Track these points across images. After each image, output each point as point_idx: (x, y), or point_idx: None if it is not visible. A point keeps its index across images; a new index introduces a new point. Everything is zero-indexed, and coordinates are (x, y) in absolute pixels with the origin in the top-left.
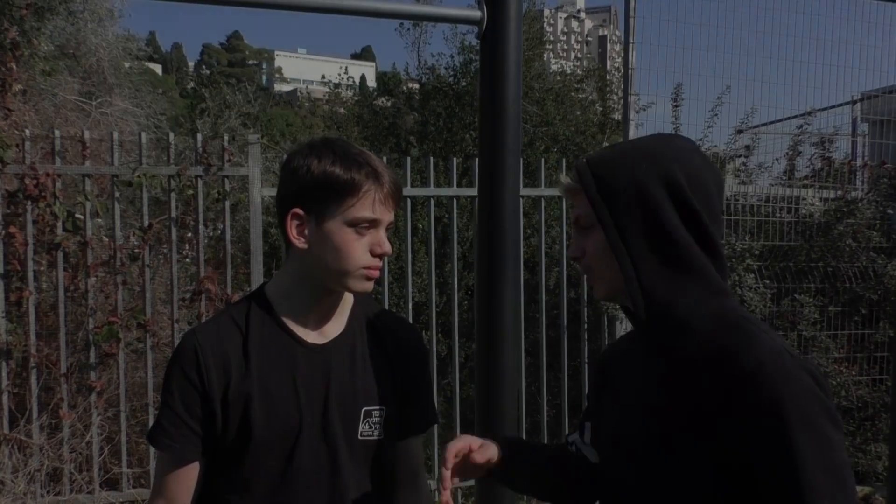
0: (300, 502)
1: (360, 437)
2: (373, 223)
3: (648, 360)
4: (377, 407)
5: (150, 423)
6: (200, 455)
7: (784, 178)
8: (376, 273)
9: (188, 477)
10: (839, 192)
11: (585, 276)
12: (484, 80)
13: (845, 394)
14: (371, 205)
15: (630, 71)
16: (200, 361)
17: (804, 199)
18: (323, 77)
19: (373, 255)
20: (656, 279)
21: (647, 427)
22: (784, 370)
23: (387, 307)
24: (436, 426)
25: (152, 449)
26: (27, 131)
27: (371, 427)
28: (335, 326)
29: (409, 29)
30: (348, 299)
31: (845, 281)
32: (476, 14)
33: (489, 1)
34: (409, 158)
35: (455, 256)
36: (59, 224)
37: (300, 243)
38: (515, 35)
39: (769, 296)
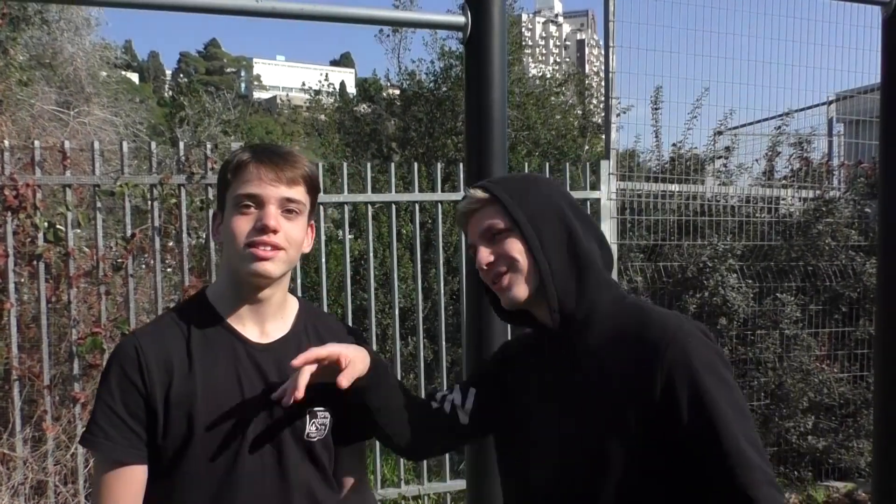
0: (247, 502)
1: (306, 438)
2: (253, 199)
3: (561, 361)
4: (322, 408)
5: None
6: (142, 459)
7: (763, 178)
8: (266, 252)
9: (131, 481)
10: (817, 192)
11: (498, 283)
12: (470, 85)
13: (827, 391)
14: (250, 181)
15: (611, 74)
16: (142, 362)
17: (783, 199)
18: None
19: (255, 230)
20: (568, 279)
21: (580, 422)
22: (683, 330)
23: (373, 313)
24: None
25: None
26: (6, 142)
27: (317, 428)
28: (279, 327)
29: (388, 35)
30: (291, 303)
31: (825, 279)
32: (460, 20)
33: (473, 6)
34: (392, 164)
35: (440, 261)
36: (40, 235)
37: (217, 238)
38: (500, 40)
39: (751, 295)
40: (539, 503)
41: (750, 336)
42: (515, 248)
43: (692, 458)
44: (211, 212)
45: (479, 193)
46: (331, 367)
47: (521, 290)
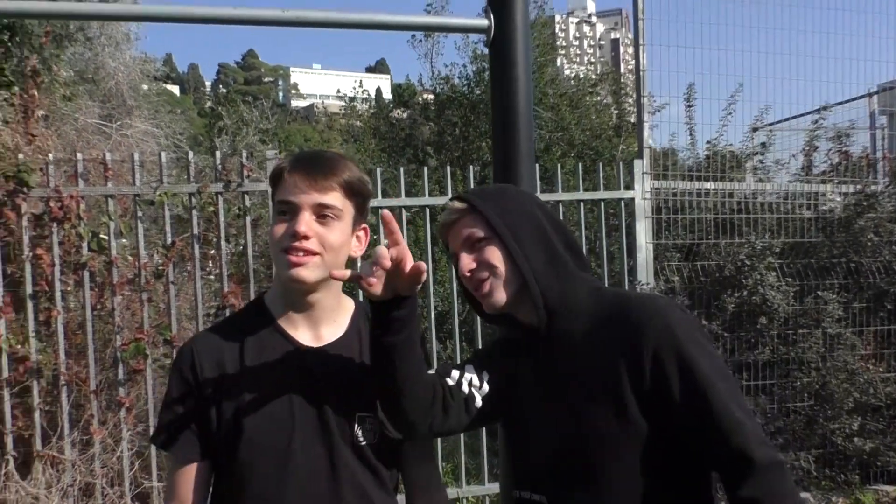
0: (298, 502)
1: (355, 442)
2: (288, 205)
3: (550, 361)
4: (373, 414)
5: None
6: (205, 454)
7: (801, 174)
8: (299, 258)
9: (193, 476)
10: (858, 186)
11: (480, 290)
12: (494, 88)
13: (873, 391)
14: (286, 188)
15: (641, 73)
16: (195, 362)
17: (823, 194)
18: (338, 91)
19: (287, 235)
20: (549, 278)
21: (573, 411)
22: (663, 307)
23: None
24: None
25: None
26: (50, 155)
27: (367, 432)
28: (332, 331)
29: (420, 40)
30: (346, 306)
31: (869, 276)
32: (483, 23)
33: (496, 9)
34: (426, 168)
35: None
36: (85, 244)
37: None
38: (524, 41)
39: (792, 294)
40: (542, 484)
41: (791, 335)
42: (495, 255)
43: (686, 428)
44: (249, 219)
45: (458, 204)
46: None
47: (501, 295)
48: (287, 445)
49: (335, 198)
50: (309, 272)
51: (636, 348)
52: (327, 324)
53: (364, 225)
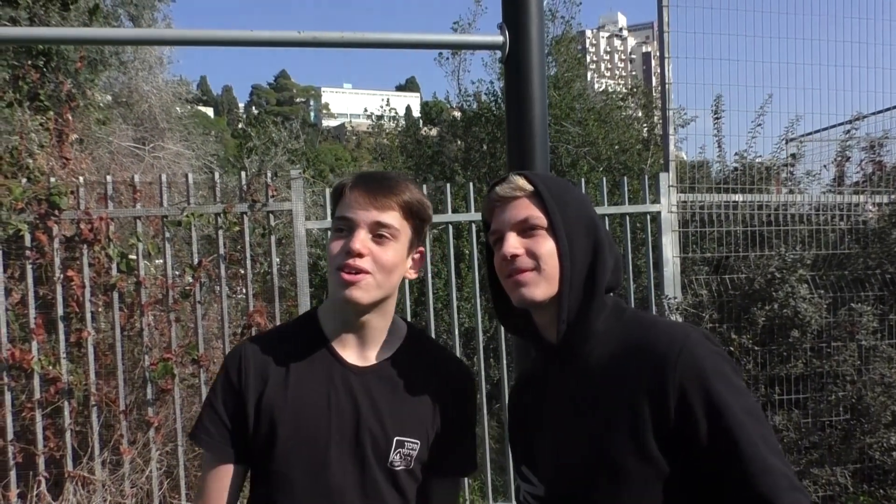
0: None
1: (388, 466)
2: (346, 222)
3: (565, 380)
4: (412, 439)
5: None
6: (240, 458)
7: (834, 185)
8: (351, 276)
9: (226, 477)
10: (893, 197)
11: (518, 277)
12: (510, 103)
13: None
14: (345, 204)
15: (667, 86)
16: (242, 366)
17: (857, 205)
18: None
19: (342, 253)
20: (580, 292)
21: (592, 441)
22: (691, 339)
23: (433, 334)
24: (488, 456)
25: None
26: (82, 178)
27: (402, 458)
28: (381, 352)
29: (447, 58)
30: (397, 329)
31: None
32: (498, 39)
33: (511, 25)
34: (448, 185)
35: None
36: (114, 266)
37: None
38: (539, 57)
39: (825, 306)
40: None
41: (825, 348)
42: (547, 248)
43: (711, 471)
44: (274, 238)
45: (524, 182)
46: None
47: (540, 292)
48: (321, 460)
49: (393, 217)
50: (362, 293)
51: (661, 384)
52: (376, 345)
53: (420, 248)
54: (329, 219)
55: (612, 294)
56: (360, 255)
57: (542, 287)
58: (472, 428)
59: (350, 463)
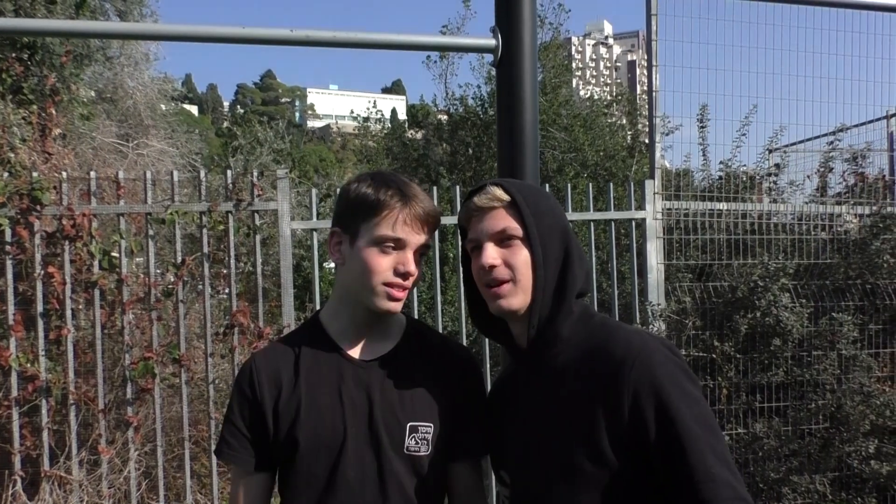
0: None
1: (406, 452)
2: (397, 242)
3: (533, 384)
4: (425, 423)
5: (187, 457)
6: (265, 467)
7: (816, 195)
8: (400, 293)
9: (254, 487)
10: (874, 208)
11: (495, 290)
12: (501, 107)
13: (890, 413)
14: (393, 224)
15: (654, 94)
16: (254, 379)
17: (839, 215)
18: (351, 112)
19: (396, 273)
20: (550, 298)
21: (551, 442)
22: (647, 346)
23: None
24: None
25: (189, 483)
26: (64, 174)
27: (418, 442)
28: (385, 345)
29: (435, 61)
30: (399, 320)
31: (885, 298)
32: (491, 42)
33: (503, 29)
34: (435, 188)
35: None
36: (96, 263)
37: (336, 259)
38: (531, 61)
39: (806, 315)
40: None
41: (806, 357)
42: (523, 258)
43: (660, 473)
44: (259, 238)
45: (500, 193)
46: None
47: (517, 302)
48: (339, 454)
49: (431, 236)
50: (401, 305)
51: (616, 388)
52: (380, 339)
53: None
54: (314, 219)
55: (581, 299)
56: (413, 275)
57: (518, 297)
58: (482, 407)
59: (368, 453)
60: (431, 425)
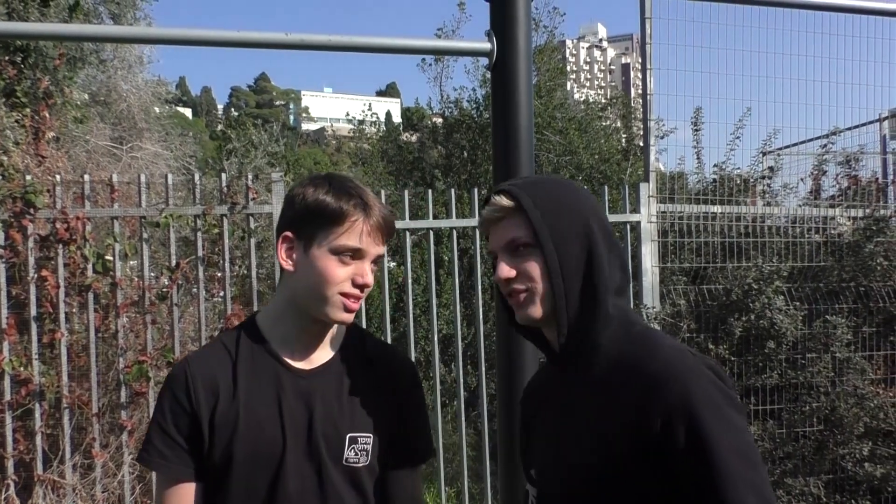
0: None
1: (345, 463)
2: (356, 253)
3: (566, 387)
4: (364, 434)
5: None
6: (193, 477)
7: (810, 198)
8: (355, 304)
9: (183, 496)
10: (868, 211)
11: (514, 300)
12: (496, 110)
13: (884, 416)
14: (357, 235)
15: (649, 97)
16: (189, 384)
17: (832, 218)
18: (347, 114)
19: (354, 284)
20: (577, 306)
21: (576, 449)
22: (688, 366)
23: (412, 340)
24: (465, 458)
25: None
26: (58, 177)
27: (357, 454)
28: (324, 354)
29: (430, 64)
30: (340, 329)
31: (878, 301)
32: (486, 46)
33: (498, 32)
34: (430, 191)
35: (479, 287)
36: (90, 266)
37: (287, 265)
38: (525, 65)
39: (800, 318)
40: None
41: (800, 360)
42: (535, 267)
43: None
44: (253, 241)
45: (505, 201)
46: None
47: (536, 311)
48: (278, 466)
49: (385, 247)
50: (353, 316)
51: (648, 407)
52: (321, 347)
53: None
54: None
55: (622, 297)
56: (369, 287)
57: (538, 305)
58: (422, 415)
59: (307, 466)
60: (371, 436)
